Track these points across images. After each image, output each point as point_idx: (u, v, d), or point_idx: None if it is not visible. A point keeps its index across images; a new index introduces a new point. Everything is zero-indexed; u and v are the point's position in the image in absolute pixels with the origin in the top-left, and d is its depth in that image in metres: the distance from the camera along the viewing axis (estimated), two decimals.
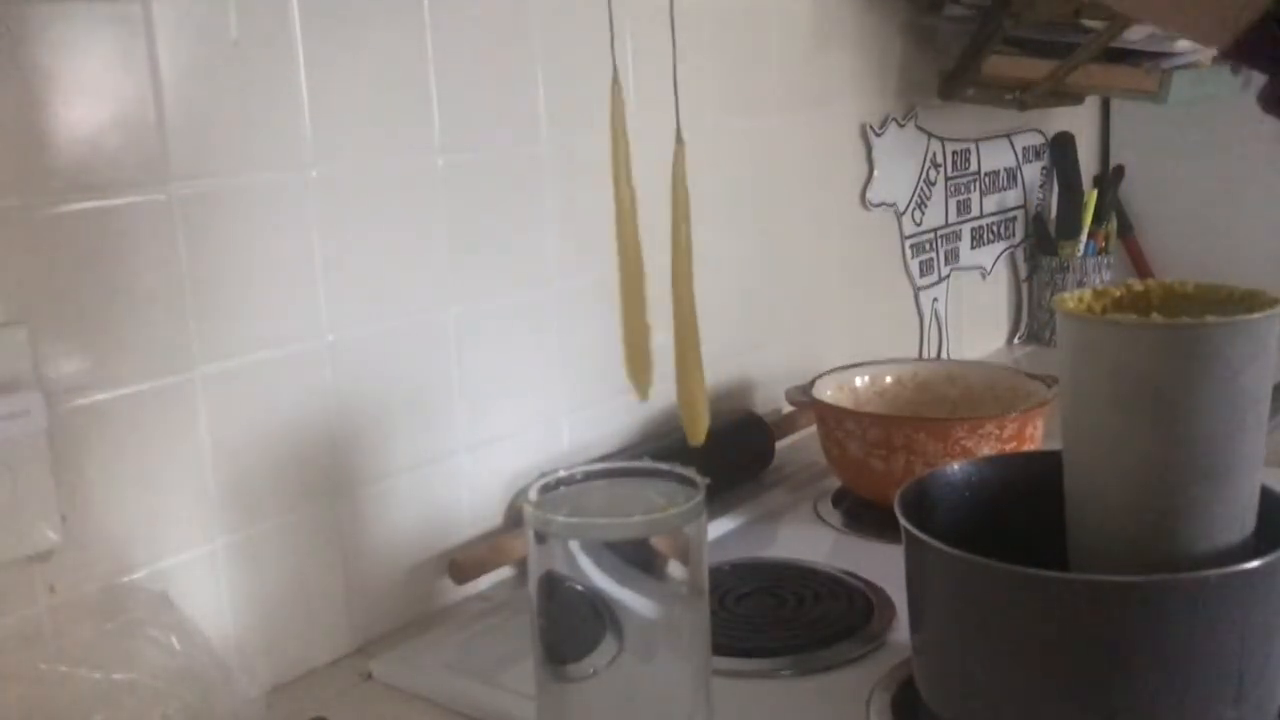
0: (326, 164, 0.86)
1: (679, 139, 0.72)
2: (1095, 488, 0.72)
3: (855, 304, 1.43)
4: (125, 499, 0.77)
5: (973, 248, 1.62)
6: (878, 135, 1.41)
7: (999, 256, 1.67)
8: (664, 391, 1.18)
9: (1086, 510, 0.73)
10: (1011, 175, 1.67)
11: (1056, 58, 1.36)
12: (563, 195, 1.05)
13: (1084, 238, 1.67)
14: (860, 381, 1.22)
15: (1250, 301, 0.70)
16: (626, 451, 1.11)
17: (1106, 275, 1.67)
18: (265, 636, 0.85)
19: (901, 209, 1.48)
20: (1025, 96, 1.42)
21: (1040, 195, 1.73)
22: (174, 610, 0.80)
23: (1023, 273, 1.73)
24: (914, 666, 0.77)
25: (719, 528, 1.07)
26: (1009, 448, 1.06)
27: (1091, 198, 1.68)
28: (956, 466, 0.83)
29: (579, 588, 0.62)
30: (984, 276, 1.65)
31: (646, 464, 0.69)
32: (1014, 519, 0.77)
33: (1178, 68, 1.32)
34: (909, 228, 1.49)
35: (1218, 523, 0.67)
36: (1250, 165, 1.68)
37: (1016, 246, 1.71)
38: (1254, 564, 0.65)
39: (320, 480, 0.89)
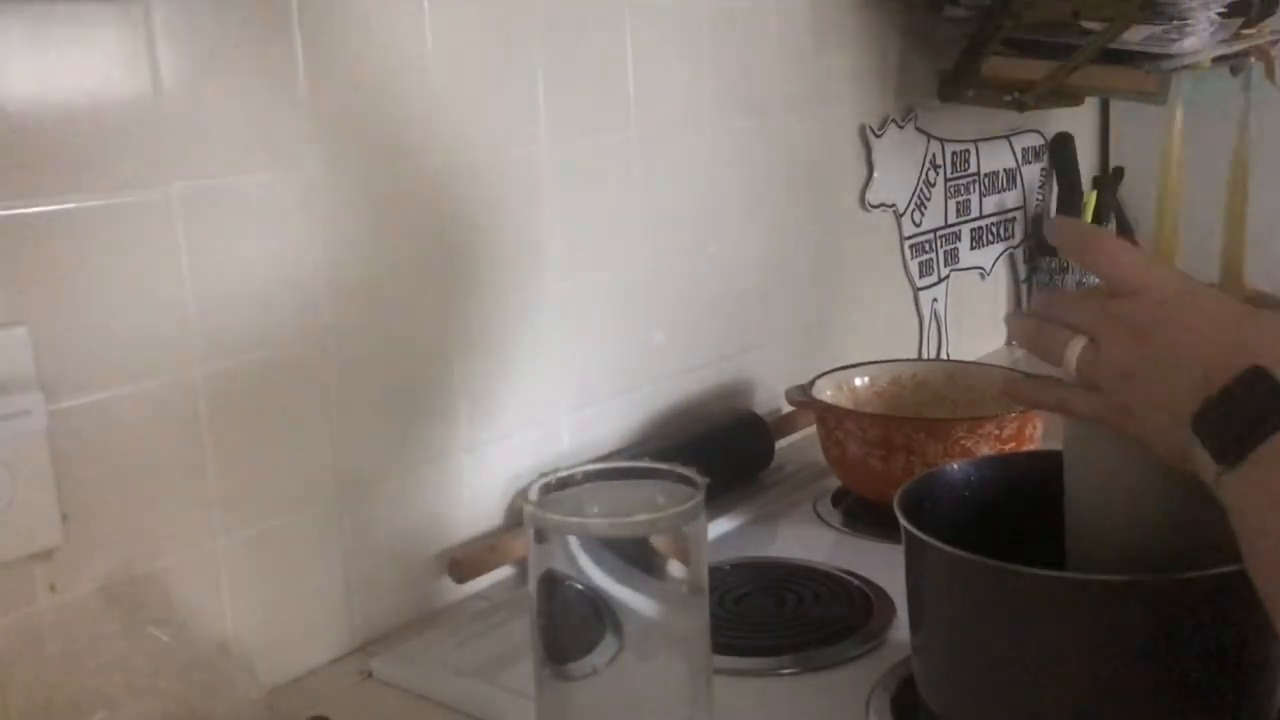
0: (326, 164, 0.86)
1: None
2: (1096, 491, 0.72)
3: (855, 304, 1.43)
4: (125, 499, 0.77)
5: (972, 248, 1.62)
6: (877, 136, 1.41)
7: (998, 257, 1.68)
8: (664, 390, 1.19)
9: (1086, 513, 0.73)
10: (1011, 176, 1.67)
11: (1056, 59, 1.36)
12: (564, 196, 1.05)
13: None
14: (860, 381, 1.22)
15: (1253, 304, 0.70)
16: (626, 451, 1.11)
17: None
18: (265, 636, 0.85)
19: (901, 210, 1.48)
20: (1024, 97, 1.42)
21: (1040, 196, 1.73)
22: (174, 610, 0.80)
23: (1022, 273, 1.73)
24: (914, 666, 0.77)
25: (719, 528, 1.07)
26: (1009, 448, 1.06)
27: (1091, 199, 1.68)
28: (956, 466, 0.83)
29: (579, 587, 0.62)
30: (983, 277, 1.65)
31: (646, 464, 0.69)
32: (1014, 519, 0.77)
33: (1177, 69, 1.32)
34: (908, 229, 1.50)
35: (1216, 524, 0.67)
36: (1249, 165, 1.68)
37: (1016, 247, 1.71)
38: None
39: (320, 480, 0.89)
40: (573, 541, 0.62)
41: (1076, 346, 0.66)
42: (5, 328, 0.71)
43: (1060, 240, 0.69)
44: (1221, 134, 1.68)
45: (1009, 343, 1.74)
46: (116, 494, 0.77)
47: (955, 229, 1.58)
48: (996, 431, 1.06)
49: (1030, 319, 0.70)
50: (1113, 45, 1.31)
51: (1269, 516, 0.56)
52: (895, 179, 1.46)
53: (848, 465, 1.12)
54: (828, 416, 1.13)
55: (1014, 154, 1.67)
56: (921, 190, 1.51)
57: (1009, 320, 0.72)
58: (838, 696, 0.81)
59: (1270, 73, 1.46)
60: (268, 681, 0.82)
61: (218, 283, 0.81)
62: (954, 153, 1.55)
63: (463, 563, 0.96)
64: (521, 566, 0.98)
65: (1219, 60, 1.38)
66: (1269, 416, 0.55)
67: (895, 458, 1.07)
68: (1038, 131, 1.70)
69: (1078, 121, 1.75)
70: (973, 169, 1.59)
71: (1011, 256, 1.71)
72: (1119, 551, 0.71)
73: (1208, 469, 0.59)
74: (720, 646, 0.74)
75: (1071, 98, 1.49)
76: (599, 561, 0.62)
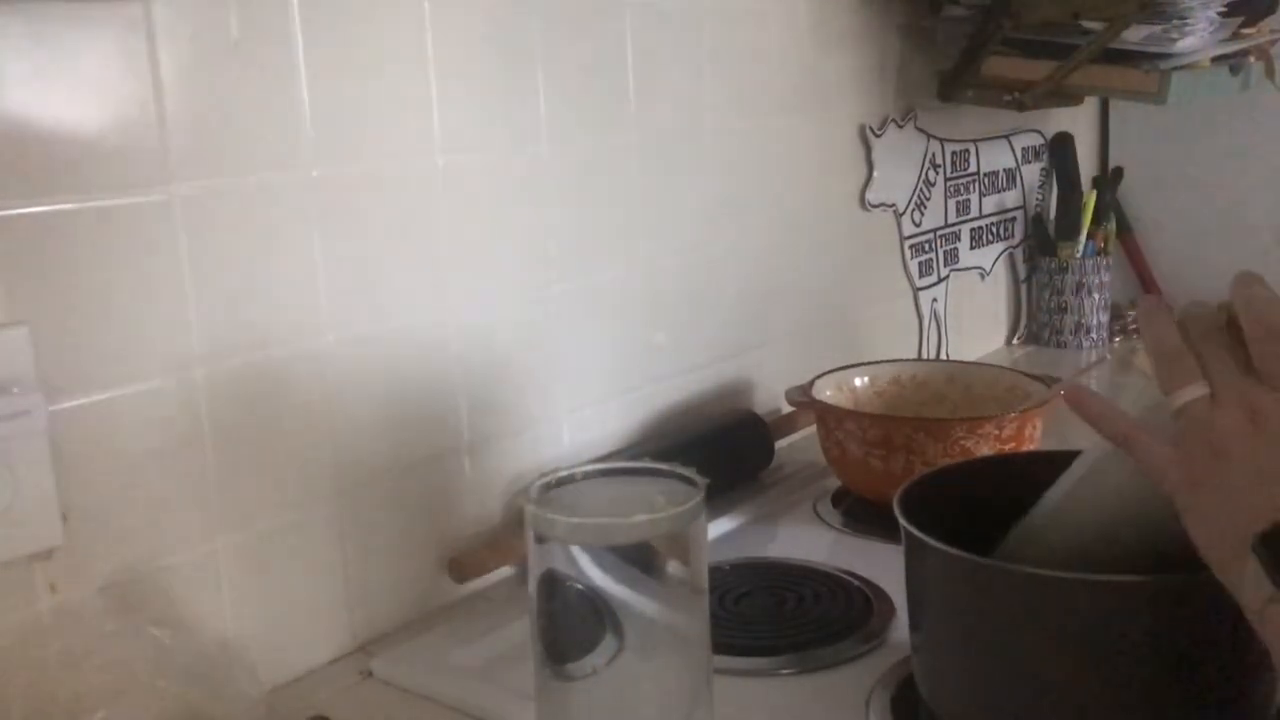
0: (327, 164, 0.86)
1: None
2: (1096, 512, 0.72)
3: (855, 304, 1.43)
4: (125, 499, 0.77)
5: (972, 248, 1.62)
6: (877, 136, 1.41)
7: (998, 257, 1.68)
8: (664, 390, 1.19)
9: (1062, 523, 0.72)
10: (1011, 176, 1.67)
11: (1056, 58, 1.36)
12: (564, 196, 1.05)
13: (1083, 238, 1.67)
14: (860, 381, 1.22)
15: None
16: (626, 451, 1.11)
17: (1105, 276, 1.68)
18: (265, 636, 0.85)
19: (901, 210, 1.48)
20: (1024, 97, 1.42)
21: (1039, 196, 1.73)
22: (174, 610, 0.80)
23: (1022, 273, 1.74)
24: (913, 665, 0.77)
25: (719, 528, 1.07)
26: (1008, 448, 1.06)
27: (1091, 198, 1.68)
28: (956, 466, 0.83)
29: (579, 587, 0.62)
30: (983, 277, 1.65)
31: (646, 464, 0.69)
32: (1014, 519, 0.77)
33: (1177, 68, 1.33)
34: (908, 228, 1.50)
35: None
36: (1249, 165, 1.68)
37: (1016, 247, 1.71)
38: None
39: (320, 480, 0.89)
40: (573, 543, 0.62)
41: (1194, 392, 0.61)
42: (5, 328, 0.71)
43: (1244, 304, 0.61)
44: (1220, 133, 1.68)
45: (1009, 342, 1.74)
46: (116, 494, 0.77)
47: (955, 229, 1.58)
48: (996, 431, 1.06)
49: (1175, 330, 0.64)
50: (1113, 45, 1.31)
51: None
52: (895, 179, 1.46)
53: (848, 465, 1.12)
54: (828, 416, 1.13)
55: (1014, 154, 1.68)
56: (921, 190, 1.51)
57: (1147, 303, 0.65)
58: (838, 696, 0.81)
59: (1270, 72, 1.46)
60: (268, 681, 0.83)
61: (218, 283, 0.81)
62: (954, 153, 1.55)
63: (463, 563, 0.96)
64: (521, 566, 0.98)
65: (1218, 60, 1.38)
66: None
67: (895, 458, 1.07)
68: (1038, 131, 1.70)
69: (1078, 121, 1.75)
70: (972, 169, 1.59)
71: (1011, 256, 1.71)
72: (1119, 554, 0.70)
73: (1257, 588, 0.56)
74: (720, 646, 0.74)
75: (1071, 98, 1.50)
76: (599, 561, 0.62)
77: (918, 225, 1.51)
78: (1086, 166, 1.77)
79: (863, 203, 1.42)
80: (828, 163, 1.37)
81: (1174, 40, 1.29)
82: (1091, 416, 0.67)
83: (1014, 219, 1.70)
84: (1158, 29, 1.28)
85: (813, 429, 1.19)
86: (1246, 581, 0.57)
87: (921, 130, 1.49)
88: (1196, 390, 0.61)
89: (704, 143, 1.20)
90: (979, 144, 1.60)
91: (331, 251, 0.87)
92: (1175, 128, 1.72)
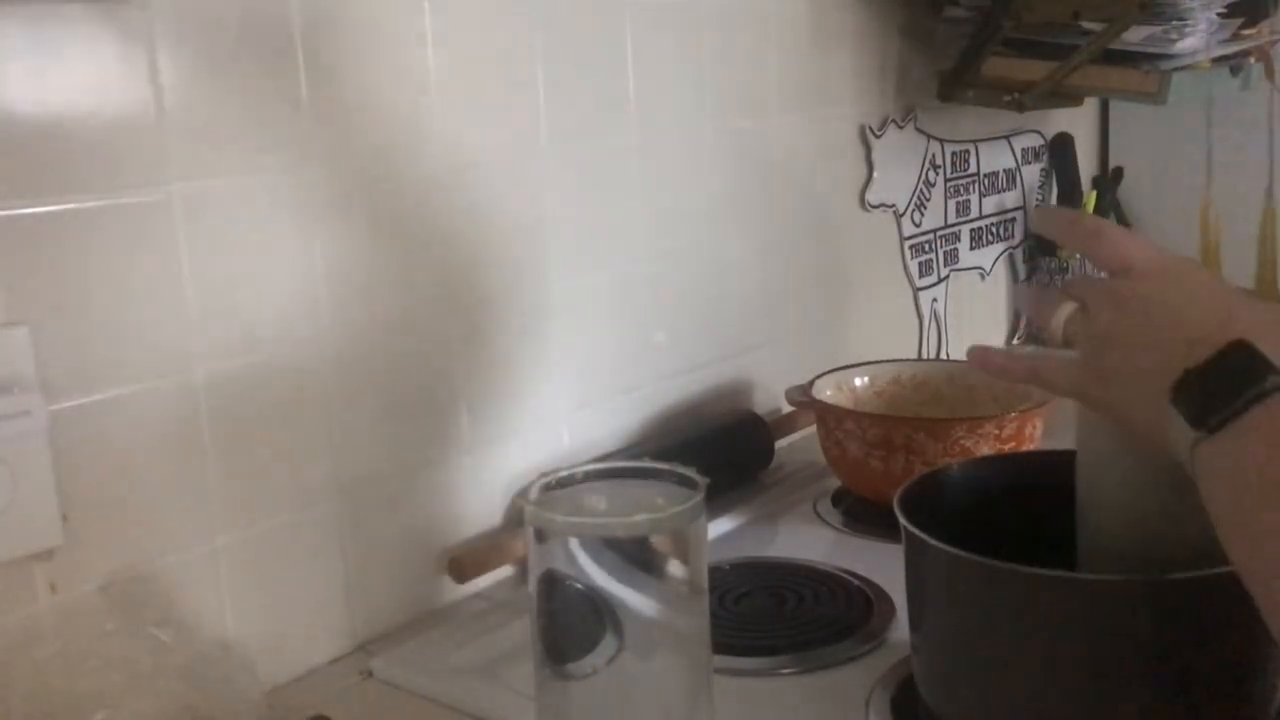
0: (326, 164, 0.86)
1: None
2: (1104, 491, 0.72)
3: (855, 304, 1.43)
4: (125, 499, 0.77)
5: (972, 249, 1.62)
6: (877, 137, 1.41)
7: (998, 257, 1.67)
8: (664, 390, 1.19)
9: (1092, 513, 0.73)
10: (1011, 176, 1.67)
11: (1056, 59, 1.36)
12: (564, 196, 1.05)
13: None
14: (860, 381, 1.22)
15: None
16: (626, 451, 1.11)
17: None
18: (265, 636, 0.85)
19: (901, 210, 1.48)
20: (1024, 98, 1.42)
21: (1039, 196, 1.73)
22: (174, 610, 0.80)
23: (1021, 273, 1.73)
24: (914, 666, 0.77)
25: (719, 527, 1.07)
26: (1008, 448, 1.06)
27: (1090, 199, 1.68)
28: (956, 466, 0.83)
29: (579, 587, 0.62)
30: (983, 277, 1.65)
31: (646, 464, 0.69)
32: (1014, 519, 0.77)
33: (1176, 69, 1.33)
34: (908, 229, 1.50)
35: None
36: (1248, 166, 1.68)
37: (1016, 247, 1.71)
38: None
39: (320, 480, 0.89)
40: (573, 541, 0.62)
41: (1066, 309, 0.67)
42: (5, 328, 0.71)
43: (1048, 229, 0.71)
44: (1220, 134, 1.69)
45: (1009, 342, 1.74)
46: (116, 494, 0.77)
47: (955, 229, 1.58)
48: (996, 431, 1.06)
49: (1035, 286, 0.72)
50: (1112, 45, 1.31)
51: (1249, 481, 0.56)
52: (895, 179, 1.46)
53: (848, 465, 1.12)
54: (828, 416, 1.13)
55: (1014, 154, 1.67)
56: (921, 190, 1.51)
57: (1017, 289, 0.74)
58: (838, 696, 0.81)
59: (1270, 73, 1.46)
60: (268, 681, 0.82)
61: (218, 283, 0.81)
62: (954, 153, 1.55)
63: (463, 563, 0.96)
64: (521, 566, 0.98)
65: (1218, 60, 1.38)
66: (1252, 386, 0.56)
67: (895, 458, 1.07)
68: (1038, 132, 1.70)
69: (1078, 121, 1.75)
70: (972, 169, 1.59)
71: (1011, 256, 1.71)
72: (1125, 550, 0.70)
73: (1182, 438, 0.58)
74: (720, 646, 0.74)
75: (1071, 98, 1.49)
76: (599, 561, 0.62)
77: (918, 226, 1.51)
78: (1086, 166, 1.77)
79: (863, 203, 1.42)
80: (828, 163, 1.37)
81: (1174, 41, 1.29)
82: (996, 369, 0.73)
83: (1014, 219, 1.70)
84: (1158, 30, 1.28)
85: (813, 429, 1.19)
86: (1172, 434, 0.59)
87: (921, 131, 1.49)
88: (1067, 307, 0.67)
89: (704, 143, 1.20)
90: (979, 145, 1.60)
91: (331, 251, 0.87)
92: (1175, 128, 1.72)
